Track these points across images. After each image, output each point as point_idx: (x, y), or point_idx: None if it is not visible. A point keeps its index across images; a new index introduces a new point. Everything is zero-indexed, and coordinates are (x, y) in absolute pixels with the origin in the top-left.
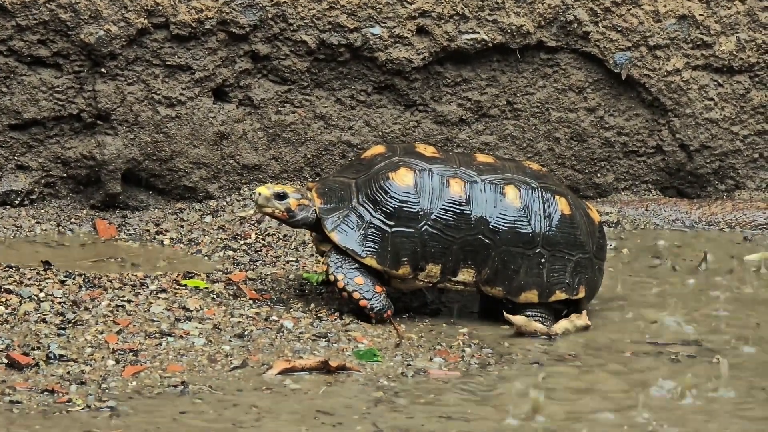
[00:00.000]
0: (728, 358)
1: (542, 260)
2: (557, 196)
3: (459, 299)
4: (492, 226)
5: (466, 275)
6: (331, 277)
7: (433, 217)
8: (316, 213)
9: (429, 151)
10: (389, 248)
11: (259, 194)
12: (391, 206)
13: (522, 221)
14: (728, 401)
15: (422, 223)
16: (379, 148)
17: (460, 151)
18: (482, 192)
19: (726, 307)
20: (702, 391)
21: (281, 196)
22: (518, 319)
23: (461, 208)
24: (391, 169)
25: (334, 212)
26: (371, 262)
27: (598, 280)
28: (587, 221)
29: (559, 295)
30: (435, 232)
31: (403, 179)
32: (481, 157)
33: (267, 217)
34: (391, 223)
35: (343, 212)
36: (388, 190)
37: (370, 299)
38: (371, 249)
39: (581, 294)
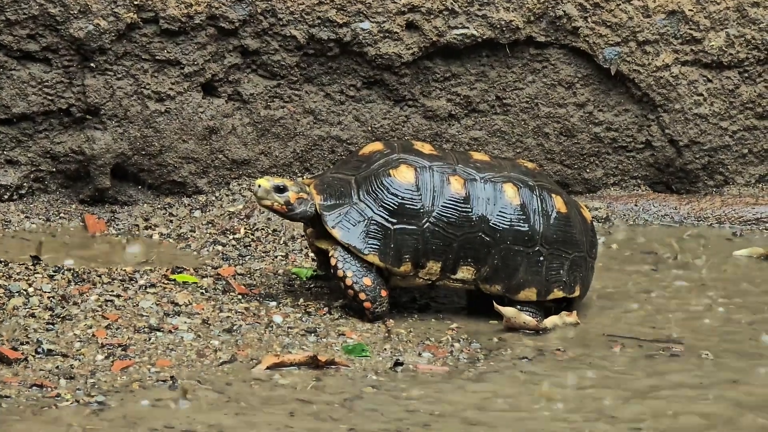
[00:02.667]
0: (710, 354)
1: (541, 258)
2: (553, 195)
3: (448, 294)
4: (492, 224)
5: (465, 273)
6: (340, 273)
7: (435, 214)
8: (315, 208)
9: (426, 148)
10: (391, 245)
11: (259, 186)
12: (393, 203)
13: (521, 219)
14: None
15: (424, 221)
16: (377, 145)
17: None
18: (482, 190)
19: (711, 304)
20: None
21: (281, 189)
22: (508, 310)
23: (462, 205)
24: (392, 166)
25: (335, 209)
26: (374, 259)
27: (590, 279)
28: (581, 220)
29: (557, 294)
30: (437, 229)
31: (404, 176)
32: (477, 155)
33: (266, 210)
34: (394, 220)
35: (344, 209)
36: (390, 187)
37: (374, 302)
38: (374, 246)
39: (577, 293)
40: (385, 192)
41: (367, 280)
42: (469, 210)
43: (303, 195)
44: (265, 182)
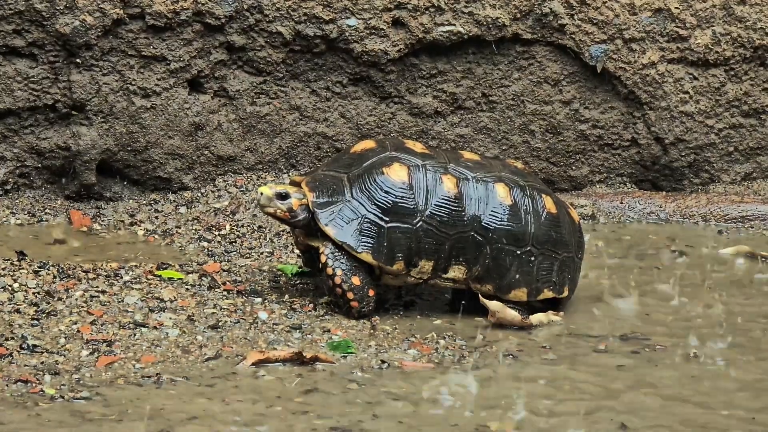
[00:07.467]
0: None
1: (532, 258)
2: (543, 195)
3: (433, 291)
4: (484, 223)
5: (457, 272)
6: (329, 270)
7: (428, 213)
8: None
9: (418, 147)
10: (385, 243)
11: (261, 194)
12: (386, 201)
13: (513, 219)
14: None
15: (417, 219)
16: (369, 143)
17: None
18: (474, 189)
19: (698, 302)
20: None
21: (283, 196)
22: (494, 304)
23: (455, 205)
24: (386, 165)
25: (328, 206)
26: (367, 257)
27: (578, 279)
28: (569, 220)
29: (547, 294)
30: (430, 228)
31: (398, 175)
32: (467, 155)
33: (269, 217)
34: (387, 219)
35: (338, 206)
36: (384, 186)
37: (361, 301)
38: (367, 244)
39: (566, 293)
40: (378, 190)
41: (356, 279)
42: (462, 209)
43: (305, 201)
44: (267, 190)
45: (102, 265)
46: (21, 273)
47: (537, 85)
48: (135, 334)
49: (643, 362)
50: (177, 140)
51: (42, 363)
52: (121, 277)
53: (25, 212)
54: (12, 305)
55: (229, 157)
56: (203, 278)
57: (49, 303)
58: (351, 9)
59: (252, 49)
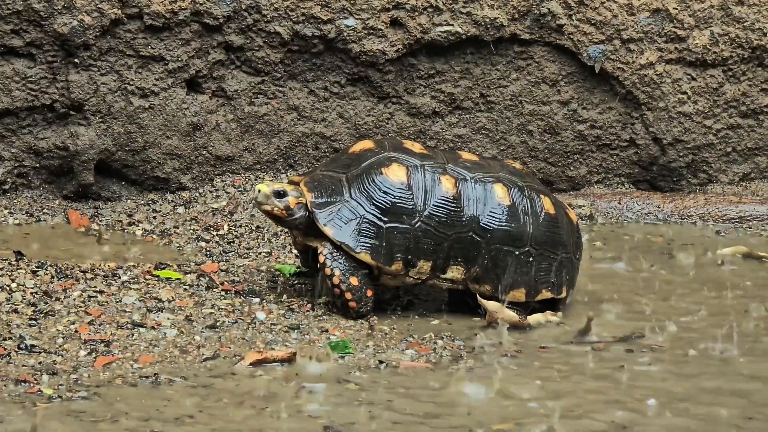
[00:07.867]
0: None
1: (530, 259)
2: (542, 196)
3: (431, 291)
4: (483, 224)
5: (455, 273)
6: (327, 271)
7: (426, 213)
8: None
9: (417, 147)
10: (383, 244)
11: (259, 191)
12: (385, 202)
13: (512, 220)
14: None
15: (416, 220)
16: (367, 143)
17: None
18: (473, 190)
19: (695, 303)
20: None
21: (281, 194)
22: (491, 304)
23: (453, 205)
24: (384, 165)
25: (326, 206)
26: (365, 257)
27: (575, 279)
28: (567, 221)
29: (545, 294)
30: (428, 228)
31: (396, 175)
32: (466, 155)
33: (266, 215)
34: (386, 219)
35: (336, 206)
36: (382, 186)
37: (359, 302)
38: (365, 244)
39: (564, 293)
40: (377, 190)
41: (354, 280)
42: (460, 210)
43: (302, 200)
44: (265, 187)
45: (100, 265)
46: (19, 273)
47: (535, 85)
48: (133, 334)
49: (641, 362)
50: (175, 140)
51: (40, 363)
52: (119, 277)
53: (23, 212)
54: (10, 305)
55: (227, 157)
56: (201, 278)
57: (47, 303)
58: (349, 9)
59: (250, 49)
